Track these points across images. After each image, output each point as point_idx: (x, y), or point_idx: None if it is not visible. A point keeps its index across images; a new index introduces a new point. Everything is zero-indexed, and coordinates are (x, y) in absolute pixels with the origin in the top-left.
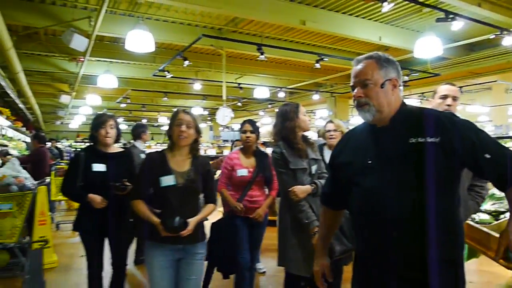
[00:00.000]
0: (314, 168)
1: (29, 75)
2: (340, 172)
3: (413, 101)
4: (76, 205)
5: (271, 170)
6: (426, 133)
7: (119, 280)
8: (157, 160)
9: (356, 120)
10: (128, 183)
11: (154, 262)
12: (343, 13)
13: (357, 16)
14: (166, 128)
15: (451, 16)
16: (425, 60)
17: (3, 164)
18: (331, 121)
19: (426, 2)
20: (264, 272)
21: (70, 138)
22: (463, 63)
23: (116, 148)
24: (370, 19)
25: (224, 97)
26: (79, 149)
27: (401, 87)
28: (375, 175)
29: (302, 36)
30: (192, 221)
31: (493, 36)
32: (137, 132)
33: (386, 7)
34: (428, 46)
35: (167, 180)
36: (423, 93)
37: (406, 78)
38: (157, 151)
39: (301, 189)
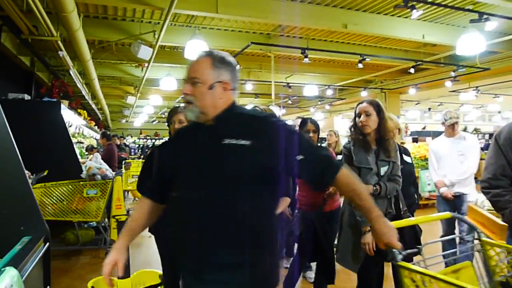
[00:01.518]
0: (383, 169)
1: (101, 79)
2: (164, 169)
3: (469, 95)
4: (139, 195)
5: None
6: (240, 135)
7: None
8: None
9: (410, 114)
10: None
11: None
12: (384, 14)
13: (399, 16)
14: None
15: (484, 17)
16: (474, 54)
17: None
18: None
19: (457, 5)
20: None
21: (134, 135)
22: None
23: None
24: (412, 18)
25: (273, 96)
26: (154, 145)
27: (234, 91)
28: (191, 173)
29: (346, 37)
30: None
31: None
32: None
33: (415, 14)
34: (471, 43)
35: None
36: (477, 87)
37: (452, 73)
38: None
39: None
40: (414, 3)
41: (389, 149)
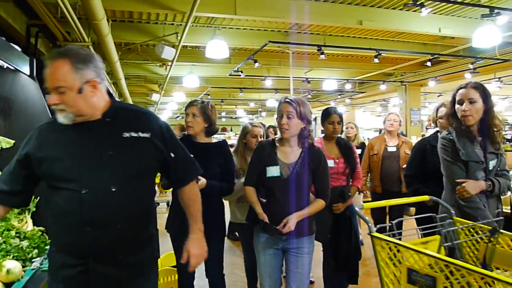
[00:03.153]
0: (492, 163)
1: (127, 78)
2: (40, 169)
3: (492, 86)
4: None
5: (356, 160)
6: (138, 128)
7: None
8: (267, 149)
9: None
10: (200, 177)
11: (258, 247)
12: (399, 9)
13: (414, 11)
14: (243, 120)
15: (496, 11)
16: (493, 46)
17: None
18: (444, 105)
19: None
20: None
21: None
22: None
23: (212, 138)
24: (422, 16)
25: (291, 91)
26: None
27: (102, 84)
28: (88, 168)
29: (363, 32)
30: (293, 219)
31: None
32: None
33: (425, 12)
34: (486, 36)
35: (273, 171)
36: (500, 78)
37: (470, 66)
38: (268, 140)
39: (473, 185)
40: (423, 0)
41: (497, 140)
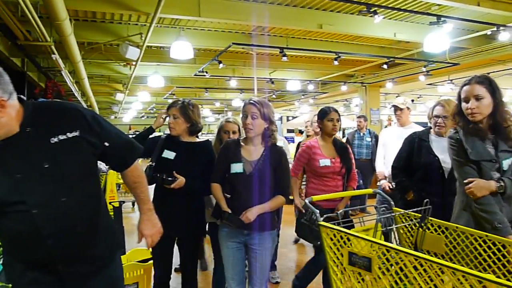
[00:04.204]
0: (507, 162)
1: (90, 78)
2: None
3: (446, 88)
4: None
5: (352, 160)
6: (65, 128)
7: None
8: (232, 147)
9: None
10: (178, 176)
11: (222, 241)
12: (357, 14)
13: (370, 16)
14: (209, 119)
15: (442, 19)
16: (443, 51)
17: None
18: (440, 104)
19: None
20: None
21: (123, 130)
22: (484, 51)
23: (196, 138)
24: (385, 17)
25: (255, 92)
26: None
27: (11, 99)
28: (30, 187)
29: (323, 35)
30: (253, 210)
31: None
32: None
33: (378, 19)
34: (436, 41)
35: (236, 168)
36: (451, 80)
37: (423, 69)
38: (234, 139)
39: (480, 184)
40: (376, 8)
41: (511, 136)
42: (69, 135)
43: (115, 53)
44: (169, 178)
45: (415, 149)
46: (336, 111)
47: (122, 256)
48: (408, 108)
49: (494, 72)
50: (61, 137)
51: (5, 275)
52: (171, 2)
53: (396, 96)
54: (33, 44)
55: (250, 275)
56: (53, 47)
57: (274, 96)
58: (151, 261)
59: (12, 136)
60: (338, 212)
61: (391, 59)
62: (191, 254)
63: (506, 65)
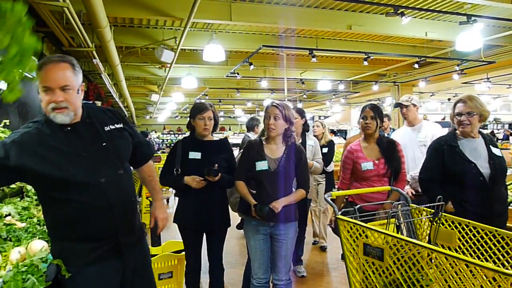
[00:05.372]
0: None
1: (127, 80)
2: (46, 176)
3: (482, 86)
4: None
5: (400, 159)
6: (113, 121)
7: (219, 280)
8: (255, 147)
9: (431, 105)
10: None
11: (249, 234)
12: (386, 15)
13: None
14: (242, 119)
15: (472, 19)
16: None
17: None
18: (461, 100)
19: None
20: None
21: (158, 130)
22: None
23: (213, 136)
24: (415, 17)
25: (285, 92)
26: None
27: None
28: (94, 162)
29: (353, 36)
30: (279, 203)
31: None
32: (251, 124)
33: (405, 20)
34: (468, 40)
35: (261, 165)
36: (488, 78)
37: (457, 67)
38: (256, 139)
39: None
40: (403, 10)
41: None
42: (117, 126)
43: (151, 56)
44: (214, 170)
45: (447, 157)
46: (373, 108)
47: (157, 248)
48: (414, 105)
49: None
50: (112, 126)
51: (63, 262)
52: (204, 7)
53: (430, 95)
54: (76, 49)
55: (275, 264)
56: (94, 52)
57: (305, 96)
58: (184, 252)
59: (76, 123)
60: (355, 207)
61: (423, 58)
62: (218, 245)
63: None
